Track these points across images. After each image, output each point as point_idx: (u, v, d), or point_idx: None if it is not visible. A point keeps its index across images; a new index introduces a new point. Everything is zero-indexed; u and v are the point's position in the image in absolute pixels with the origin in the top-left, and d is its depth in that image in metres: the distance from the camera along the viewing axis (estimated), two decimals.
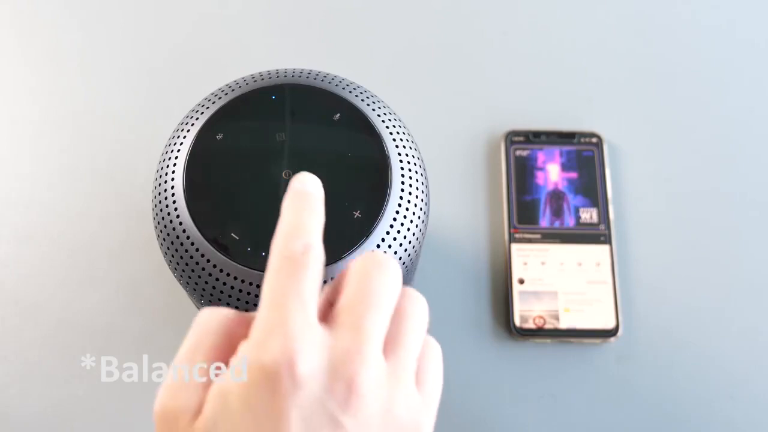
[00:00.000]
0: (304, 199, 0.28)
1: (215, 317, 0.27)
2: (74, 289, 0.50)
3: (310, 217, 0.27)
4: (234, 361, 0.25)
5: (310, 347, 0.24)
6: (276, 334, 0.24)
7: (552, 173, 0.53)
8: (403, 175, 0.35)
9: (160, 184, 0.36)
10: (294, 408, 0.24)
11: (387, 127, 0.36)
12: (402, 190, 0.35)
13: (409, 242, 0.35)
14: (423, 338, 0.28)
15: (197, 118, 0.36)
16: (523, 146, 0.53)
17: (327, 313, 0.27)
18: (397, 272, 0.27)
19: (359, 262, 0.27)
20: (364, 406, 0.25)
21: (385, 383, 0.26)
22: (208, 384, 0.25)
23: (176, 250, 0.34)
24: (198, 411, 0.25)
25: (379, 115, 0.37)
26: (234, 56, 0.56)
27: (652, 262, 0.51)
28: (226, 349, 0.26)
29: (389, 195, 0.34)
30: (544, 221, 0.51)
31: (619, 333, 0.49)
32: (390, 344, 0.26)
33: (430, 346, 0.29)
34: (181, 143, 0.36)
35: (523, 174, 0.53)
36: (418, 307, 0.28)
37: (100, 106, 0.55)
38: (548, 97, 0.56)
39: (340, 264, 0.33)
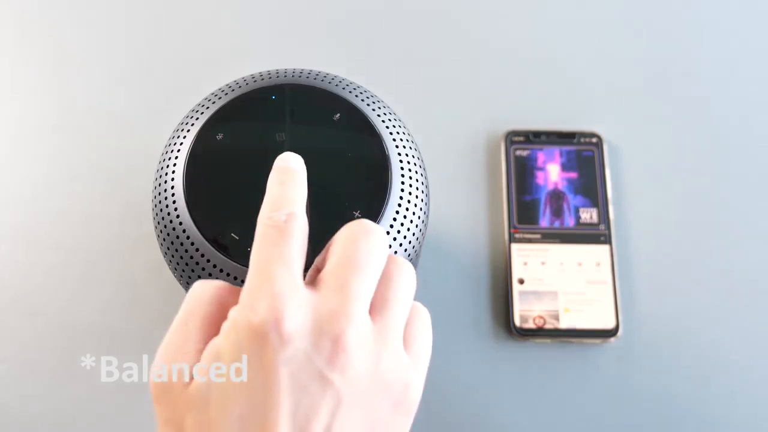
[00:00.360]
0: (287, 174, 0.30)
1: (208, 288, 0.28)
2: (74, 289, 0.50)
3: (292, 190, 0.29)
4: (224, 325, 0.26)
5: (296, 306, 0.25)
6: (262, 296, 0.25)
7: (552, 173, 0.53)
8: (403, 175, 0.35)
9: (160, 184, 0.35)
10: (282, 364, 0.24)
11: (387, 127, 0.36)
12: (402, 190, 0.35)
13: (409, 242, 0.35)
14: (410, 302, 0.28)
15: (197, 118, 0.36)
16: (523, 146, 0.53)
17: (315, 279, 0.27)
18: (383, 238, 0.28)
19: (345, 229, 0.28)
20: (350, 364, 0.25)
21: (371, 343, 0.26)
22: (202, 348, 0.26)
23: (176, 250, 0.34)
24: (191, 376, 0.26)
25: (379, 115, 0.37)
26: (234, 56, 0.56)
27: (652, 262, 0.51)
28: (218, 317, 0.27)
29: (389, 195, 0.34)
30: (544, 221, 0.51)
31: (619, 333, 0.49)
32: (376, 307, 0.27)
33: (418, 310, 0.29)
34: (181, 143, 0.36)
35: (523, 174, 0.53)
36: (405, 273, 0.28)
37: (101, 106, 0.55)
38: (548, 97, 0.56)
39: None
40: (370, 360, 0.26)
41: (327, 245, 0.28)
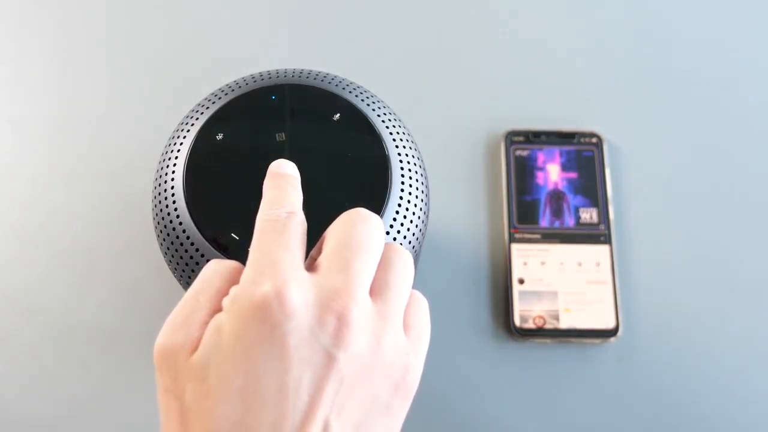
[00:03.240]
0: (282, 178, 0.30)
1: (222, 265, 0.28)
2: (74, 289, 0.50)
3: (289, 192, 0.29)
4: (225, 300, 0.26)
5: (299, 283, 0.25)
6: (265, 273, 0.25)
7: (552, 173, 0.53)
8: (403, 175, 0.35)
9: (160, 184, 0.35)
10: (286, 336, 0.24)
11: (387, 127, 0.36)
12: (402, 190, 0.35)
13: (409, 242, 0.35)
14: (409, 288, 0.29)
15: (197, 118, 0.36)
16: (523, 146, 0.53)
17: (313, 266, 0.27)
18: (380, 224, 0.28)
19: (343, 216, 0.28)
20: (354, 341, 0.25)
21: (373, 323, 0.26)
22: (209, 320, 0.26)
23: (176, 250, 0.34)
24: (196, 347, 0.25)
25: (379, 115, 0.37)
26: (234, 56, 0.56)
27: (652, 262, 0.51)
28: (228, 291, 0.27)
29: (389, 195, 0.34)
30: (544, 221, 0.51)
31: (619, 333, 0.49)
32: (377, 290, 0.27)
33: (417, 297, 0.29)
34: (181, 143, 0.36)
35: (523, 174, 0.53)
36: (404, 258, 0.29)
37: (101, 106, 0.55)
38: (548, 97, 0.56)
39: None
40: (373, 340, 0.26)
41: (322, 236, 0.29)
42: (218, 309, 0.26)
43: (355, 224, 0.28)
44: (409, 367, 0.27)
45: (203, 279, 0.27)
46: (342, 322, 0.25)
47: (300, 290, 0.25)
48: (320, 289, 0.26)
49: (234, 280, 0.27)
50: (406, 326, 0.28)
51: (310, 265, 0.28)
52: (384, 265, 0.28)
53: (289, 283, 0.25)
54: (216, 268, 0.28)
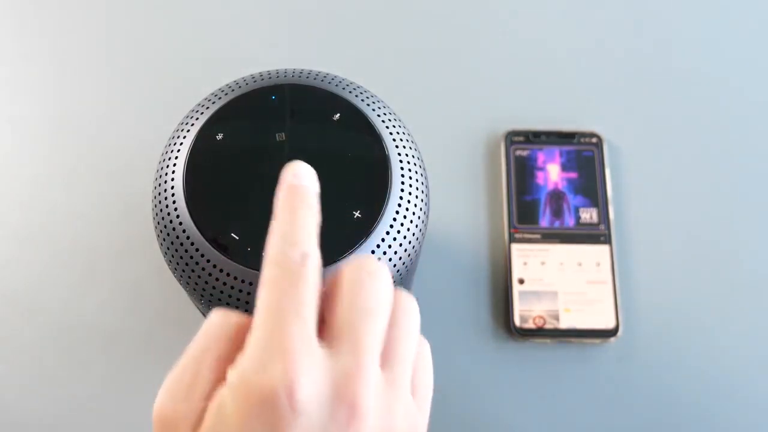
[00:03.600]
0: (300, 196, 0.27)
1: (226, 323, 0.25)
2: (74, 289, 0.50)
3: (306, 218, 0.26)
4: (231, 375, 0.24)
5: (310, 372, 0.23)
6: (275, 357, 0.23)
7: (552, 173, 0.53)
8: (403, 175, 0.35)
9: (160, 184, 0.35)
10: None
11: (387, 127, 0.36)
12: (402, 190, 0.35)
13: (409, 242, 0.35)
14: (416, 343, 0.27)
15: (197, 118, 0.36)
16: (523, 146, 0.53)
17: (320, 325, 0.25)
18: (389, 279, 0.26)
19: (350, 271, 0.26)
20: (365, 425, 0.24)
21: (384, 396, 0.25)
22: (212, 392, 0.24)
23: (176, 250, 0.34)
24: (199, 421, 0.24)
25: (379, 115, 0.37)
26: (234, 56, 0.56)
27: (652, 262, 0.51)
28: (234, 355, 0.25)
29: (389, 195, 0.34)
30: (544, 221, 0.51)
31: (619, 333, 0.49)
32: (387, 355, 0.26)
33: (421, 349, 0.28)
34: (181, 143, 0.36)
35: (523, 174, 0.53)
36: (411, 312, 0.27)
37: (101, 106, 0.55)
38: (548, 97, 0.56)
39: (340, 265, 0.33)
40: (384, 412, 0.25)
41: (329, 284, 0.27)
42: (222, 377, 0.24)
43: (364, 285, 0.25)
44: (417, 426, 0.26)
45: (205, 341, 0.25)
46: (353, 410, 0.23)
47: (311, 380, 0.23)
48: (331, 372, 0.24)
49: (240, 340, 0.25)
50: (413, 388, 0.27)
51: (320, 329, 0.26)
52: (393, 322, 0.26)
53: (299, 375, 0.23)
54: (218, 328, 0.25)
